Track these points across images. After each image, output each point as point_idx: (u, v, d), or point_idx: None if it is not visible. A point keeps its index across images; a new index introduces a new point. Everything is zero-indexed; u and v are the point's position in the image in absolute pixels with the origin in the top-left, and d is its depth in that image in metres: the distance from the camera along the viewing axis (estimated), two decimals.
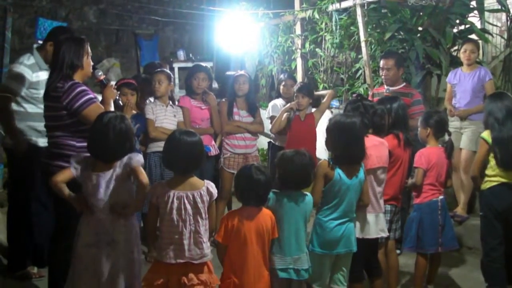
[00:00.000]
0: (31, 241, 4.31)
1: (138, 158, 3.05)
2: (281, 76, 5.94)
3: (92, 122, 3.16)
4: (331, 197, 3.29)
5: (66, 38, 3.56)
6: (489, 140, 3.78)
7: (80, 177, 3.00)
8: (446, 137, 4.12)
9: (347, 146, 3.29)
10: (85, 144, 3.13)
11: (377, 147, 3.62)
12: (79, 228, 3.04)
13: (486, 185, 3.85)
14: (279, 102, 5.49)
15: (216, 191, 3.07)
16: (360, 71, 6.69)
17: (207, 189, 3.01)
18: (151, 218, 3.06)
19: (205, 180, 3.06)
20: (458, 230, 5.27)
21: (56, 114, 3.36)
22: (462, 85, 5.44)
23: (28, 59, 4.19)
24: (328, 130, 3.41)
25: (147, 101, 4.87)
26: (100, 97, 3.61)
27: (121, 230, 3.02)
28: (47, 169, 3.41)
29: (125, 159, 3.01)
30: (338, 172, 3.26)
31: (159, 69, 5.05)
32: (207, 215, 3.02)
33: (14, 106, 4.15)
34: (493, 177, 3.80)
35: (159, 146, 4.70)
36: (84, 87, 3.36)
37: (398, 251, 4.29)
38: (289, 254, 3.14)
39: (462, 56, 5.48)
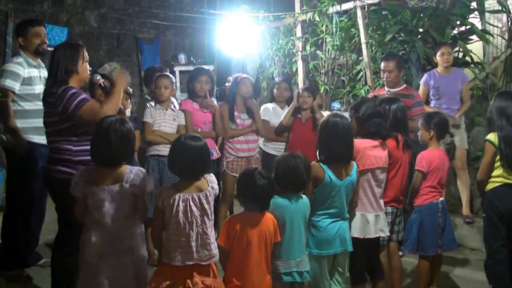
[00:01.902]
0: (26, 243, 4.36)
1: (144, 185, 3.04)
2: (276, 78, 5.92)
3: (89, 121, 3.19)
4: (323, 199, 3.30)
5: (62, 44, 3.62)
6: (496, 142, 3.73)
7: (84, 192, 3.00)
8: (447, 139, 4.12)
9: (330, 144, 3.32)
10: (82, 148, 3.14)
11: (375, 148, 3.63)
12: (85, 239, 3.03)
13: (489, 186, 3.81)
14: (270, 105, 5.45)
15: (217, 186, 3.08)
16: (361, 73, 6.69)
17: (212, 187, 3.02)
18: (157, 222, 3.04)
19: (207, 178, 3.03)
20: (462, 231, 5.27)
21: (53, 119, 3.38)
22: (447, 87, 5.52)
23: (17, 58, 4.37)
24: (318, 130, 3.47)
25: (148, 105, 4.87)
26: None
27: (129, 240, 3.03)
28: (48, 174, 3.44)
29: (133, 175, 3.00)
30: (329, 175, 3.27)
31: (162, 73, 5.05)
32: (213, 216, 3.03)
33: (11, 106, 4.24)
34: (497, 177, 3.76)
35: (157, 150, 4.71)
36: (75, 90, 3.35)
37: (401, 253, 4.29)
38: (292, 257, 3.15)
39: (440, 59, 5.55)
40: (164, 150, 4.66)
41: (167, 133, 4.74)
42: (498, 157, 3.73)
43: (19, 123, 4.24)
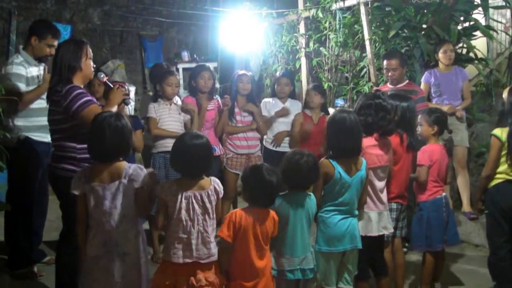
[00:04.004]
0: (29, 241, 4.38)
1: (144, 179, 3.02)
2: (277, 73, 5.90)
3: (89, 124, 3.15)
4: (333, 196, 3.29)
5: (65, 41, 3.61)
6: (502, 137, 3.71)
7: (84, 189, 2.99)
8: (445, 135, 4.12)
9: (338, 140, 3.30)
10: (85, 145, 3.14)
11: (377, 146, 3.61)
12: (87, 238, 3.03)
13: (491, 182, 3.81)
14: (271, 99, 5.45)
15: (222, 188, 3.07)
16: (365, 70, 6.68)
17: (214, 188, 3.02)
18: (160, 215, 3.03)
19: (211, 178, 3.05)
20: (466, 227, 5.27)
21: (57, 117, 3.39)
22: (448, 84, 5.53)
23: (17, 58, 4.29)
24: (326, 126, 3.46)
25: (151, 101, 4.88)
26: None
27: (131, 241, 3.01)
28: (53, 172, 3.46)
29: (131, 171, 3.00)
30: (339, 171, 3.26)
31: (172, 71, 5.08)
32: (214, 215, 3.02)
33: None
34: (499, 174, 3.76)
35: (165, 147, 4.70)
36: (81, 90, 3.36)
37: (405, 250, 4.29)
38: (296, 255, 3.14)
39: (443, 56, 5.57)
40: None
41: (172, 131, 4.74)
42: (502, 153, 3.72)
43: (22, 122, 4.24)
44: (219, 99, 5.23)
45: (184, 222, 2.92)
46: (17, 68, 4.20)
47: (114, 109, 3.45)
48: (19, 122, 4.23)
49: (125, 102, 3.62)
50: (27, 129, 4.25)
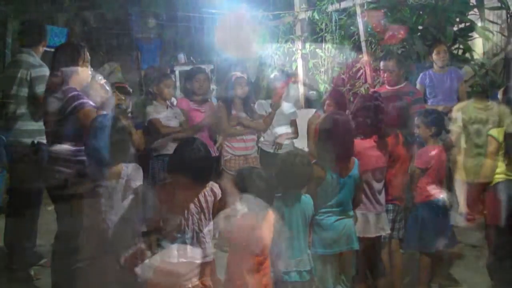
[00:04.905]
0: (29, 244, 4.36)
1: (139, 178, 3.03)
2: (272, 76, 5.89)
3: (85, 125, 3.16)
4: (326, 198, 3.29)
5: (63, 44, 3.62)
6: (499, 137, 3.72)
7: (81, 190, 2.99)
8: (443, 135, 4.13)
9: (330, 142, 3.29)
10: (81, 148, 3.14)
11: (375, 148, 3.61)
12: (81, 239, 3.03)
13: (491, 182, 3.82)
14: (263, 102, 5.46)
15: (220, 191, 3.07)
16: (361, 71, 6.69)
17: (211, 189, 3.01)
18: (156, 219, 3.04)
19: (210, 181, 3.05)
20: (463, 228, 5.26)
21: (53, 119, 3.38)
22: (443, 85, 5.55)
23: (34, 59, 4.28)
24: (318, 128, 3.45)
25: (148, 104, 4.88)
26: None
27: (126, 242, 3.01)
28: (47, 174, 3.47)
29: (129, 170, 3.00)
30: (331, 174, 3.26)
31: (167, 74, 5.09)
32: (211, 216, 3.02)
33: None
34: (498, 174, 3.78)
35: (168, 150, 4.69)
36: (78, 92, 3.37)
37: (401, 251, 4.28)
38: (292, 256, 3.13)
39: (436, 57, 5.58)
40: None
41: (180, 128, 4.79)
42: (499, 153, 3.74)
43: (37, 126, 4.22)
44: (214, 101, 5.23)
45: (178, 222, 2.91)
46: (46, 71, 4.18)
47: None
48: (35, 126, 4.22)
49: (119, 107, 3.62)
50: (40, 133, 4.23)
